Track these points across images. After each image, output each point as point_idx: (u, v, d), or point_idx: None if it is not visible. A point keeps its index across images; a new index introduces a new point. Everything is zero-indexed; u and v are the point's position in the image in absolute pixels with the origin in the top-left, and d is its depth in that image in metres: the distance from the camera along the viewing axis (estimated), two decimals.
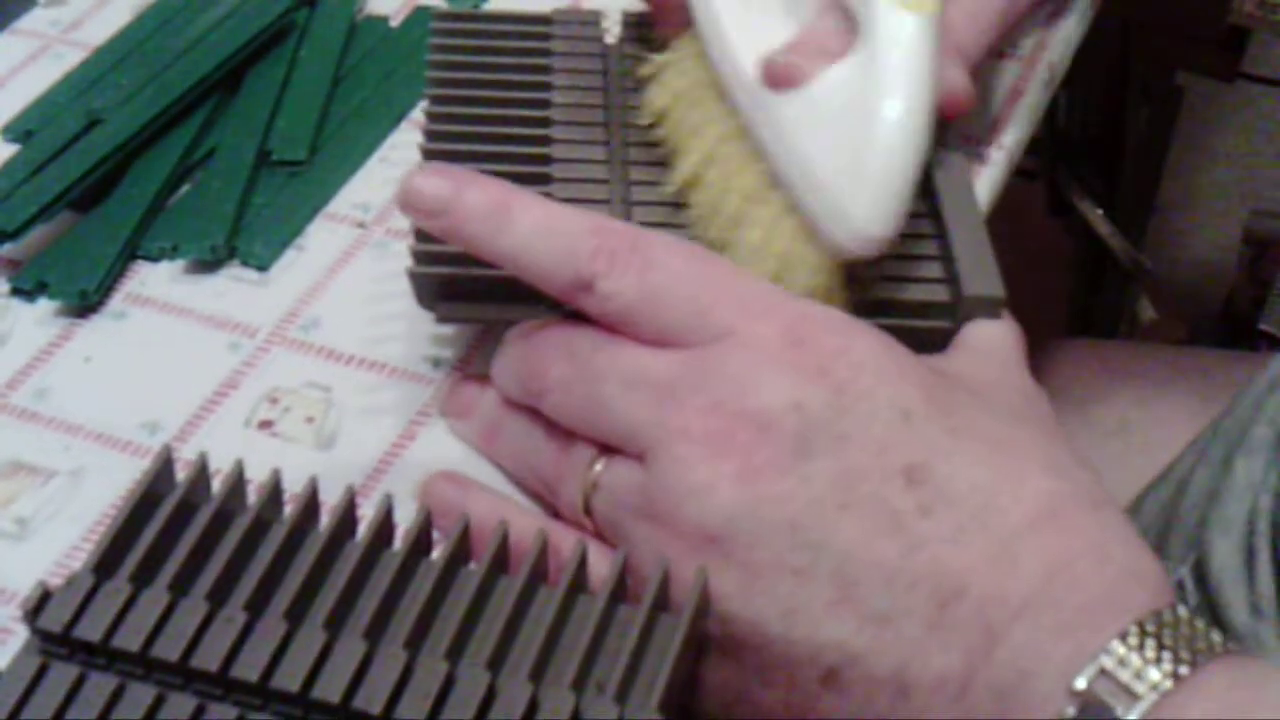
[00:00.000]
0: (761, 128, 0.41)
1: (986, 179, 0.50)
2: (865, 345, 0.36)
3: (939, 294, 0.41)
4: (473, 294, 0.40)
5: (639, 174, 0.45)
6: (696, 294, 0.37)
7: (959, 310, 0.41)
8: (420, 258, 0.40)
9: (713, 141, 0.43)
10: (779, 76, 0.40)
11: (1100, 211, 1.02)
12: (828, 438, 0.35)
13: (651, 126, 0.46)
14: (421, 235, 0.41)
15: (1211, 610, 0.47)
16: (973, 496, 0.34)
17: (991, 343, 0.40)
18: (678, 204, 0.44)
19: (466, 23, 0.50)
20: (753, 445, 0.35)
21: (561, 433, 0.39)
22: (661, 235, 0.38)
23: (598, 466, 0.38)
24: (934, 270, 0.42)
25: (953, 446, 0.35)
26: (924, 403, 0.35)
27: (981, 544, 0.33)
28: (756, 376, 0.35)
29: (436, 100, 0.46)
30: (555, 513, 0.40)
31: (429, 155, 0.44)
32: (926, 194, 0.44)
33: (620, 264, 0.37)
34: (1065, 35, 0.56)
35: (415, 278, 0.41)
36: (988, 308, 0.41)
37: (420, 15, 0.59)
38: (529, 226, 0.37)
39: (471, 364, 0.45)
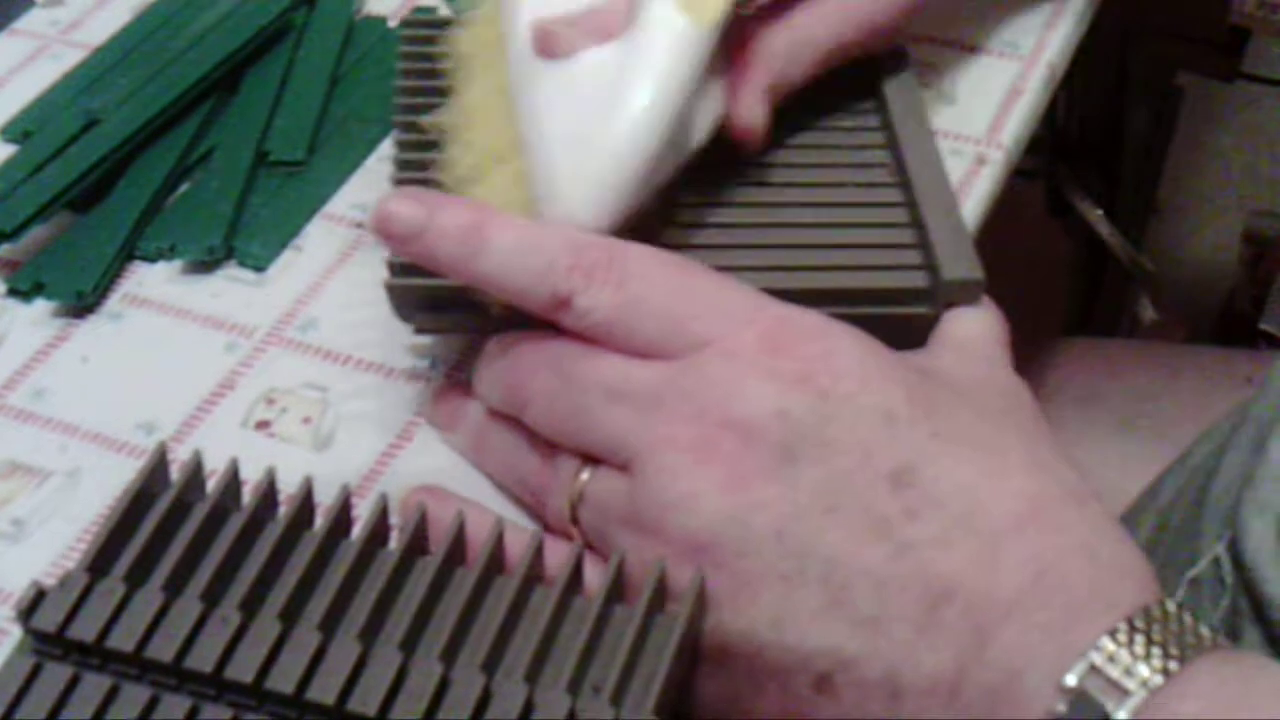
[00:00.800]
0: (519, 92, 0.41)
1: (986, 179, 0.50)
2: (846, 349, 0.36)
3: (917, 280, 0.41)
4: (451, 303, 0.40)
5: None
6: (674, 305, 0.37)
7: (938, 295, 0.41)
8: (396, 269, 0.40)
9: (482, 93, 0.43)
10: (544, 43, 0.40)
11: (1100, 212, 1.02)
12: (812, 444, 0.35)
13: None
14: None
15: (1248, 586, 0.47)
16: (957, 498, 0.34)
17: (974, 338, 0.40)
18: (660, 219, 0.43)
19: (436, 29, 0.48)
20: (737, 453, 0.35)
21: (547, 443, 0.39)
22: (640, 247, 0.38)
23: (583, 476, 0.38)
24: (912, 257, 0.42)
25: (937, 449, 0.35)
26: (907, 405, 0.35)
27: (968, 545, 0.33)
28: (739, 384, 0.35)
29: (406, 109, 0.45)
30: (545, 524, 0.40)
31: (402, 165, 0.43)
32: (901, 182, 0.44)
33: (598, 279, 0.37)
34: (1065, 35, 0.56)
35: (392, 290, 0.40)
36: (967, 291, 0.41)
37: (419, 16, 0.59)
38: (504, 247, 0.37)
39: (459, 371, 0.45)
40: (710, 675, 0.35)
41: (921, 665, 0.33)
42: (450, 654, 0.33)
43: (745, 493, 0.34)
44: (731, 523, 0.34)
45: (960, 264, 0.41)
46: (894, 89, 0.47)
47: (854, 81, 0.48)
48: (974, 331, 0.40)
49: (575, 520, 0.38)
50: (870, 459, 0.34)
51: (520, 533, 0.36)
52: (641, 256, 0.38)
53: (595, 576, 0.36)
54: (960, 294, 0.41)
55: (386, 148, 0.53)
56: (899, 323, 0.41)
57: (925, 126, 0.46)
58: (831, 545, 0.34)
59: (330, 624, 0.33)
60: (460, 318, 0.41)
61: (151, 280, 0.48)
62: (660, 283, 0.37)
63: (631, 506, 0.36)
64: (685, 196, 0.44)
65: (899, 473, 0.34)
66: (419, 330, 0.41)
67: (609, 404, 0.37)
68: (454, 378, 0.44)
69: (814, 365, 0.35)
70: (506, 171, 0.41)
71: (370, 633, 0.33)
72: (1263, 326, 0.98)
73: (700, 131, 0.41)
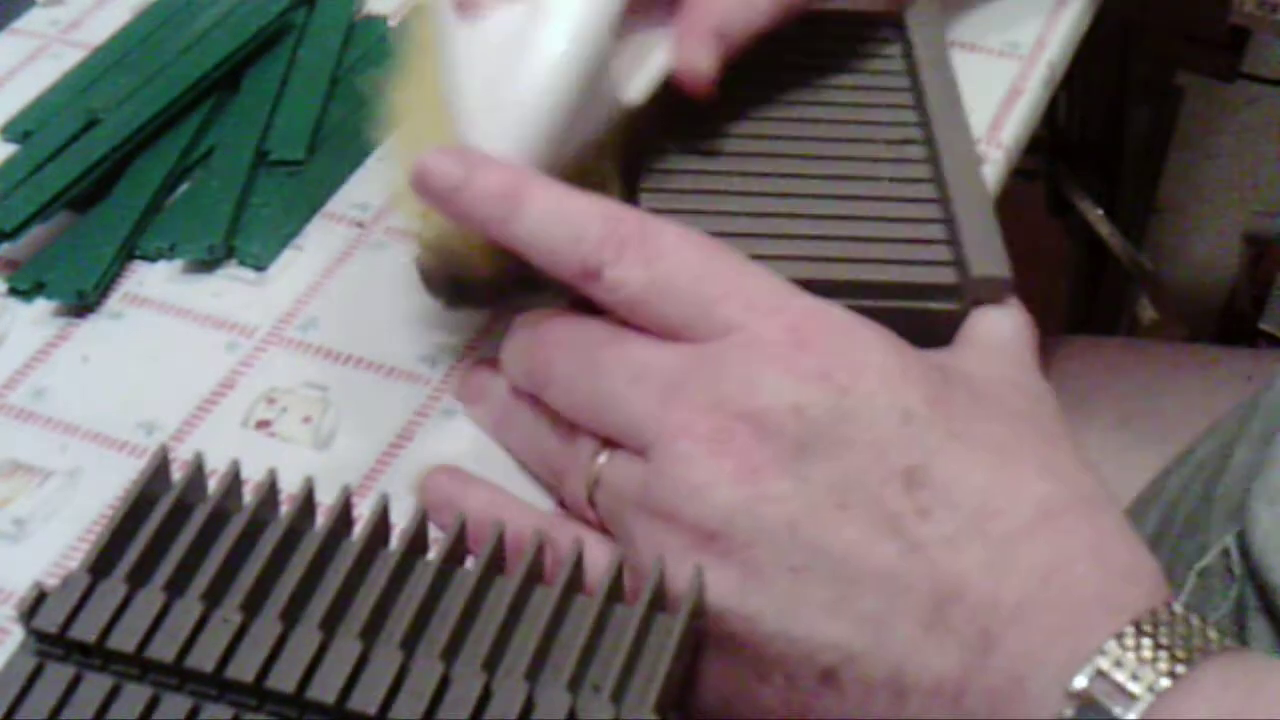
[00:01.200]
0: (441, 52, 0.42)
1: (986, 179, 0.50)
2: (869, 346, 0.36)
3: (946, 276, 0.41)
4: (479, 281, 0.40)
5: (646, 160, 0.45)
6: (703, 287, 0.37)
7: (965, 292, 0.41)
8: (425, 246, 0.40)
9: (422, 55, 0.43)
10: (461, 4, 0.41)
11: (1100, 211, 1.02)
12: (828, 441, 0.35)
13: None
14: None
15: (1255, 576, 0.47)
16: (970, 500, 0.34)
17: (1000, 338, 0.40)
18: (685, 190, 0.44)
19: None
20: (751, 446, 0.35)
21: (567, 424, 0.39)
22: (674, 225, 0.38)
23: (600, 459, 0.38)
24: (941, 253, 0.42)
25: (953, 450, 0.35)
26: (926, 405, 0.35)
27: (978, 548, 0.33)
28: (758, 377, 0.35)
29: None
30: (562, 502, 0.40)
31: None
32: (935, 178, 0.44)
33: (629, 252, 0.37)
34: (1065, 34, 0.56)
35: (421, 266, 0.41)
36: (994, 289, 0.40)
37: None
38: (539, 212, 0.37)
39: (489, 348, 0.45)
40: (716, 662, 0.35)
41: (927, 666, 0.33)
42: (451, 653, 0.33)
43: (756, 485, 0.34)
44: (741, 514, 0.34)
45: (989, 261, 0.41)
46: (933, 81, 0.47)
47: (891, 71, 0.48)
48: (1003, 332, 0.40)
49: (591, 502, 0.38)
50: (884, 457, 0.34)
51: (527, 516, 0.36)
52: (676, 235, 0.37)
53: (605, 563, 0.36)
54: (988, 291, 0.40)
55: (386, 148, 0.53)
56: (924, 317, 0.40)
57: (963, 121, 0.45)
58: (843, 540, 0.34)
59: (331, 623, 0.33)
60: (487, 295, 0.41)
61: (152, 280, 0.48)
62: (691, 263, 0.37)
63: (646, 491, 0.36)
64: (716, 182, 0.44)
65: (913, 471, 0.34)
66: (447, 306, 0.41)
67: (629, 388, 0.37)
68: (484, 356, 0.44)
69: (835, 361, 0.35)
70: (439, 132, 0.41)
71: (371, 632, 0.33)
72: (1263, 326, 0.99)
73: (638, 82, 0.41)
